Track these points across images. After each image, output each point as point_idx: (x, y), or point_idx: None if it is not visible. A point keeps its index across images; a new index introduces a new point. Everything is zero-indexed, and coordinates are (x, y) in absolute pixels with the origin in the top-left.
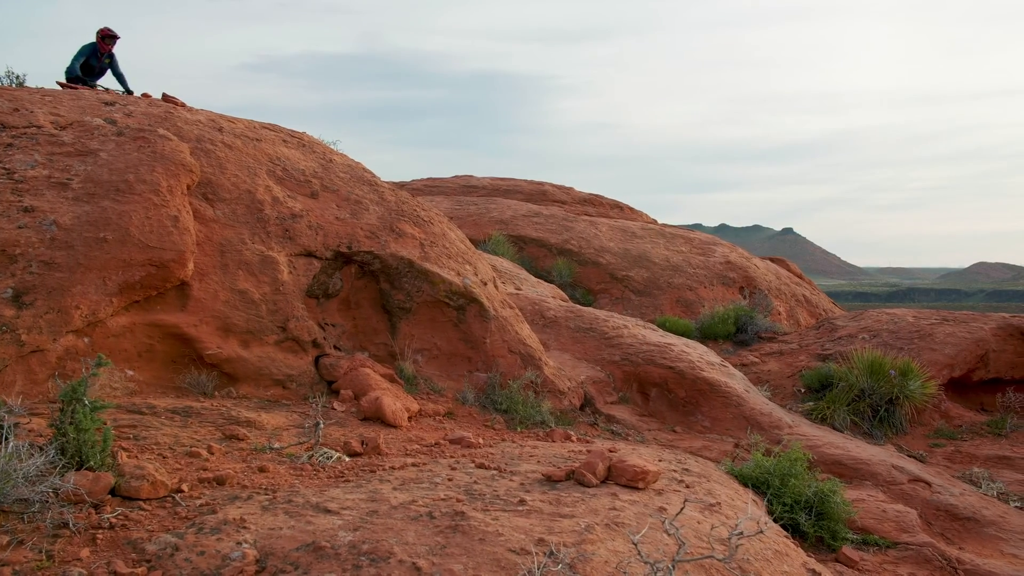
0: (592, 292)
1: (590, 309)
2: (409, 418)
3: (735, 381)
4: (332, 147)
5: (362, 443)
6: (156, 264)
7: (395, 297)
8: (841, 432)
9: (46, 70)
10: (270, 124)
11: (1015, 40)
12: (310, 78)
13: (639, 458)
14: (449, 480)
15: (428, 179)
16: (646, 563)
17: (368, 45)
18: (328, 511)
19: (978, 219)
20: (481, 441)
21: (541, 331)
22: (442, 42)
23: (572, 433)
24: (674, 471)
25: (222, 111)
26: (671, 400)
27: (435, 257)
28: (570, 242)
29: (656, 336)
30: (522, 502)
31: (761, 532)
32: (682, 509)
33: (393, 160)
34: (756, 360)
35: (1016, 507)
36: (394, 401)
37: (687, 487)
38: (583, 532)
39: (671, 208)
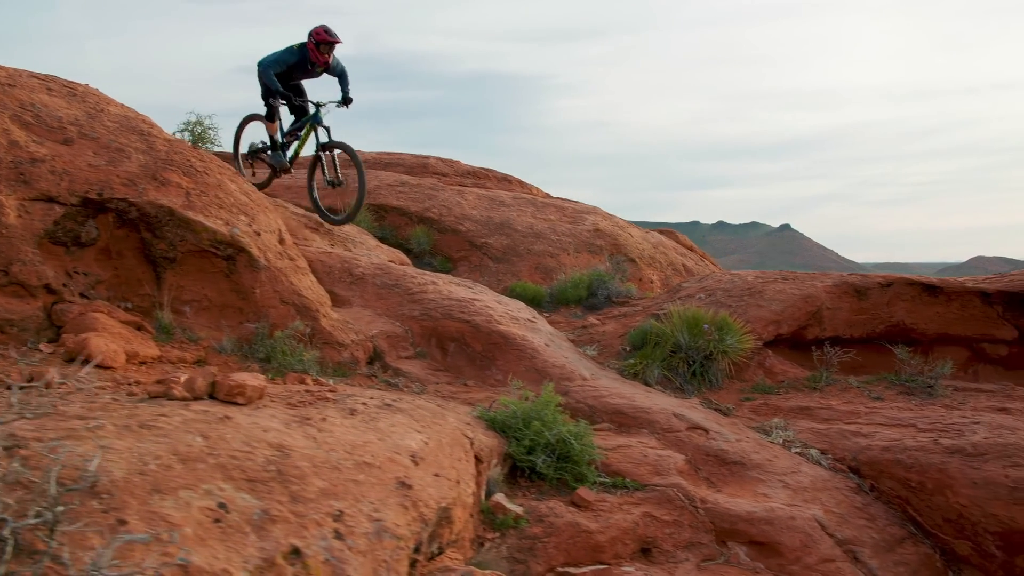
0: (452, 260)
1: (400, 267)
2: (142, 363)
3: (537, 336)
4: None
5: (29, 379)
6: None
7: (157, 247)
8: (650, 387)
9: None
10: (44, 75)
11: (1010, 34)
12: None
13: (247, 375)
14: (53, 402)
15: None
16: None
17: (363, 47)
18: None
19: (975, 213)
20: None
21: (348, 288)
22: (437, 43)
23: (309, 377)
24: (363, 403)
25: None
26: (469, 355)
27: (202, 206)
28: (431, 210)
29: (464, 292)
30: (55, 408)
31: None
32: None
33: None
34: (596, 322)
35: (796, 452)
36: (109, 343)
37: (352, 413)
38: (87, 430)
39: (669, 206)
